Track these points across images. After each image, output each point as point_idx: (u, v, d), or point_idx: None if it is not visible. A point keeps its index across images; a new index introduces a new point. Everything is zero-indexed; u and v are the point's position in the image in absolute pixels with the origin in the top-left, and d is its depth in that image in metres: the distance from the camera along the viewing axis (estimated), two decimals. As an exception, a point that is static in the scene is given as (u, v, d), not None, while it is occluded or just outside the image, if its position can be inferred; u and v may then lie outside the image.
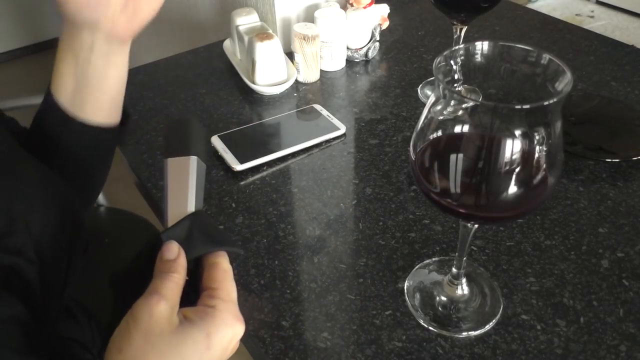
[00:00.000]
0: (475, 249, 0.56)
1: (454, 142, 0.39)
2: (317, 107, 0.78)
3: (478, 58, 0.41)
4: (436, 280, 0.53)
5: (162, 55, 0.93)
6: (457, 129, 0.38)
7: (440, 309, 0.51)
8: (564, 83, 0.36)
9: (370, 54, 0.90)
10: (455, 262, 0.50)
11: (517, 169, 0.37)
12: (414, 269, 0.54)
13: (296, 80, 0.85)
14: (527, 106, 0.34)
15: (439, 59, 0.38)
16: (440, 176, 0.40)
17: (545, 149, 0.37)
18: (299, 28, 0.82)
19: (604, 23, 2.06)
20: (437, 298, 0.52)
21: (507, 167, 0.37)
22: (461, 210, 0.40)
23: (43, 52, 3.07)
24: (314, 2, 0.94)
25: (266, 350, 0.48)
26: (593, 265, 0.54)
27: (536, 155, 0.37)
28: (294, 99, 0.82)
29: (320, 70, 0.87)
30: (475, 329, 0.49)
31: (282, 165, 0.69)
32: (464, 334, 0.48)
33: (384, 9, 0.92)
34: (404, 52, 0.93)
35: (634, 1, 2.12)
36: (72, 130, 0.52)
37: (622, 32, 2.01)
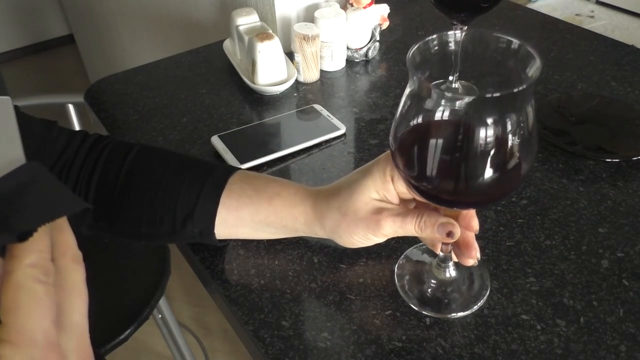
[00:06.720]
0: (475, 249, 0.56)
1: (429, 131, 0.40)
2: (317, 107, 0.78)
3: (452, 46, 0.42)
4: (425, 263, 0.54)
5: (162, 55, 0.93)
6: (436, 116, 0.39)
7: (429, 292, 0.52)
8: (534, 68, 0.38)
9: (370, 54, 0.90)
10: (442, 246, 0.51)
11: (491, 155, 0.38)
12: (403, 254, 0.55)
13: (296, 80, 0.85)
14: (497, 94, 0.35)
15: (412, 51, 0.39)
16: (418, 165, 0.41)
17: (518, 134, 0.38)
18: (299, 28, 0.82)
19: (604, 23, 2.06)
20: (426, 282, 0.53)
21: (481, 153, 0.38)
22: (441, 197, 0.41)
23: (43, 52, 3.07)
24: (314, 2, 0.94)
25: (266, 350, 0.48)
26: (593, 265, 0.54)
27: (509, 141, 0.38)
28: (294, 99, 0.82)
29: (320, 70, 0.87)
30: (464, 310, 0.50)
31: (282, 165, 0.69)
32: (454, 314, 0.50)
33: (384, 9, 0.92)
34: (404, 52, 0.93)
35: (634, 1, 2.11)
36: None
37: (622, 32, 2.01)
